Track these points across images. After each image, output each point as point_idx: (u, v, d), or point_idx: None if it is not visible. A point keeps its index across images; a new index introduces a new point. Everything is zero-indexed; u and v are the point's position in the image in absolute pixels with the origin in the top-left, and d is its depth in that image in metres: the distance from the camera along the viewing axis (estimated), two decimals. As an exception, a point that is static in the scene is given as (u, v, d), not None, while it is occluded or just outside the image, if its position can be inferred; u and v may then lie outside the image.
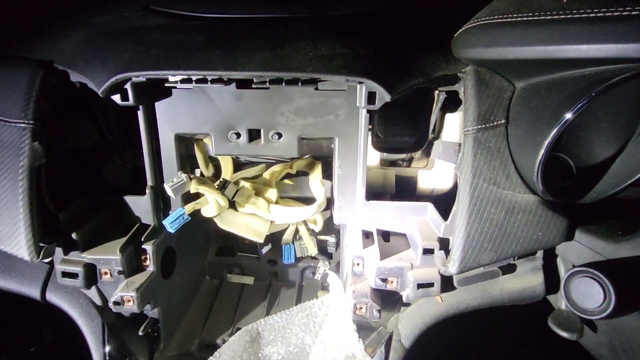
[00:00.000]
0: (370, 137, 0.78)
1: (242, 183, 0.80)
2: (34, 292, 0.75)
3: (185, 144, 0.77)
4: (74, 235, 0.69)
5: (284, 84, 0.64)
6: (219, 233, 1.06)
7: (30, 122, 0.62)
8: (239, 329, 0.84)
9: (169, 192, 0.69)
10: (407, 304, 0.77)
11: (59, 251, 0.70)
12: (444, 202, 0.72)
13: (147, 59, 0.61)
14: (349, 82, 0.64)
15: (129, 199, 0.75)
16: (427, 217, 0.73)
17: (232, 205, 0.80)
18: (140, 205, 0.75)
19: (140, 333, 0.78)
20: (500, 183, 0.60)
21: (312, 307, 0.83)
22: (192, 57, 0.60)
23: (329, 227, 0.94)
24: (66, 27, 0.71)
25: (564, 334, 0.66)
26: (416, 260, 0.69)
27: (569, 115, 0.48)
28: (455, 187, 0.77)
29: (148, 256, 0.74)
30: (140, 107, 0.69)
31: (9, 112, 0.62)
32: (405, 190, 0.88)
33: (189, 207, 0.75)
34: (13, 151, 0.61)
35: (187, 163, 0.78)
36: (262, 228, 0.83)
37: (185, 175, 0.71)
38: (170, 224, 0.72)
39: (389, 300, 0.76)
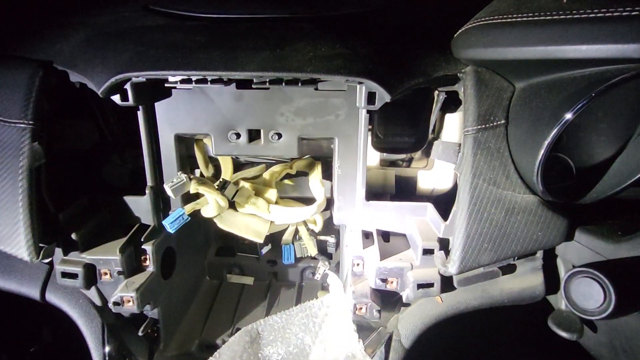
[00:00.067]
0: (370, 138, 0.78)
1: (242, 183, 0.80)
2: (34, 293, 0.75)
3: (185, 144, 0.77)
4: (73, 236, 0.69)
5: (284, 84, 0.64)
6: (218, 233, 1.06)
7: (30, 122, 0.62)
8: (238, 329, 0.84)
9: (169, 192, 0.69)
10: (407, 304, 0.77)
11: (58, 251, 0.70)
12: (443, 203, 0.72)
13: (147, 59, 0.61)
14: (349, 83, 0.64)
15: (129, 199, 0.75)
16: (427, 217, 0.73)
17: (232, 205, 0.80)
18: (140, 206, 0.75)
19: (140, 333, 0.78)
20: (500, 183, 0.60)
21: (312, 308, 0.83)
22: (192, 57, 0.60)
23: (329, 227, 0.94)
24: (66, 27, 0.71)
25: (564, 334, 0.66)
26: (416, 261, 0.69)
27: (569, 116, 0.48)
28: (455, 188, 0.77)
29: (148, 256, 0.74)
30: (140, 107, 0.69)
31: (9, 113, 0.62)
32: (405, 190, 0.88)
33: (189, 208, 0.75)
34: (13, 151, 0.61)
35: (187, 163, 0.78)
36: (262, 228, 0.83)
37: (185, 175, 0.71)
38: (170, 225, 0.72)
39: (389, 300, 0.76)
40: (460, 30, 0.60)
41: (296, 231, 0.93)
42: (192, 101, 0.70)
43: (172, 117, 0.71)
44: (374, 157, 0.85)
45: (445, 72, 0.63)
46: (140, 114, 0.69)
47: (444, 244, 0.66)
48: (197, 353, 0.86)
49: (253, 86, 0.67)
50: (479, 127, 0.60)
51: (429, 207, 0.72)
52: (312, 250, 0.92)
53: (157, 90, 0.68)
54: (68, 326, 0.77)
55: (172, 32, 0.67)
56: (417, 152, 0.84)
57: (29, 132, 0.62)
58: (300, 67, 0.59)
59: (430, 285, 0.68)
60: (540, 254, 0.72)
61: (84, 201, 0.75)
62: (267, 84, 0.65)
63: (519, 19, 0.50)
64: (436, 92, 0.72)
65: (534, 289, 0.72)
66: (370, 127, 0.74)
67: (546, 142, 0.51)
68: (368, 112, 0.68)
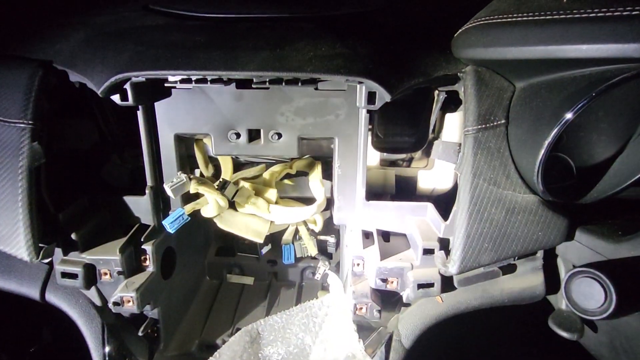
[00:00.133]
0: (370, 137, 0.78)
1: (242, 183, 0.80)
2: (34, 293, 0.75)
3: (185, 144, 0.77)
4: (73, 236, 0.69)
5: (284, 83, 0.64)
6: (218, 233, 1.06)
7: (30, 122, 0.62)
8: (239, 329, 0.84)
9: (169, 192, 0.69)
10: (408, 304, 0.77)
11: (58, 251, 0.70)
12: (444, 202, 0.72)
13: (147, 59, 0.60)
14: (349, 82, 0.64)
15: (129, 199, 0.74)
16: (427, 217, 0.73)
17: (232, 205, 0.80)
18: (140, 206, 0.75)
19: (140, 333, 0.78)
20: (501, 183, 0.60)
21: (312, 308, 0.83)
22: (192, 57, 0.60)
23: (329, 227, 0.94)
24: (66, 27, 0.71)
25: (564, 334, 0.66)
26: (416, 261, 0.69)
27: (569, 115, 0.48)
28: (455, 187, 0.77)
29: (148, 256, 0.73)
30: (140, 107, 0.69)
31: (8, 112, 0.62)
32: (405, 190, 0.88)
33: (189, 208, 0.75)
34: (12, 151, 0.61)
35: (186, 163, 0.78)
36: (262, 228, 0.83)
37: (185, 175, 0.70)
38: (170, 224, 0.72)
39: (389, 300, 0.76)
40: (460, 30, 0.60)
41: (296, 231, 0.93)
42: (192, 101, 0.70)
43: (172, 117, 0.71)
44: (374, 156, 0.84)
45: (446, 71, 0.63)
46: (140, 114, 0.69)
47: (444, 244, 0.66)
48: (197, 353, 0.86)
49: (253, 86, 0.67)
50: (479, 126, 0.60)
51: (429, 207, 0.72)
52: (312, 250, 0.92)
53: (157, 90, 0.68)
54: (68, 326, 0.77)
55: (172, 31, 0.67)
56: (417, 151, 0.84)
57: (28, 132, 0.61)
58: (301, 67, 0.59)
59: (431, 285, 0.68)
60: (540, 253, 0.72)
61: (83, 201, 0.75)
62: (267, 83, 0.65)
63: (519, 19, 0.50)
64: (436, 92, 0.72)
65: (535, 288, 0.72)
66: (370, 126, 0.74)
67: (546, 142, 0.51)
68: (368, 111, 0.68)
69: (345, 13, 0.72)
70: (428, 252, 0.67)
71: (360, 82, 0.61)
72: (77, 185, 0.80)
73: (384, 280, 0.70)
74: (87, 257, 0.70)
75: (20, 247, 0.61)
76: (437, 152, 0.80)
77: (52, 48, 0.68)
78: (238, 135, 0.72)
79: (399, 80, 0.60)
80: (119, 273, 0.71)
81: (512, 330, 1.20)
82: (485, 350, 1.19)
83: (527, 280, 0.72)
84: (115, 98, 0.63)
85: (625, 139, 0.57)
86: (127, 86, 0.62)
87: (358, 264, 0.73)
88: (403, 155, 0.86)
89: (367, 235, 0.76)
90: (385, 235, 0.77)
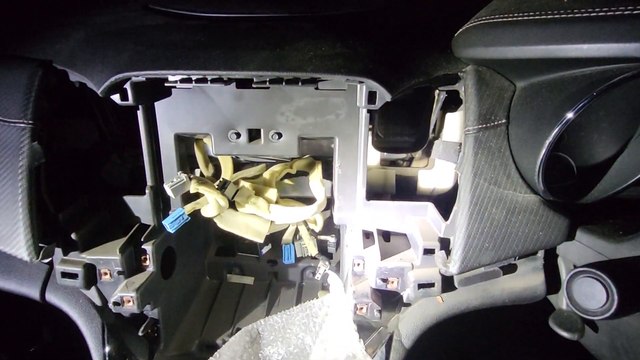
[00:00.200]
0: (370, 137, 0.78)
1: (242, 183, 0.80)
2: (34, 293, 0.75)
3: (185, 144, 0.77)
4: (73, 236, 0.69)
5: (284, 83, 0.64)
6: (218, 233, 1.05)
7: (30, 122, 0.62)
8: (239, 329, 0.84)
9: (169, 192, 0.69)
10: (408, 304, 0.77)
11: (58, 251, 0.70)
12: (444, 202, 0.72)
13: (147, 59, 0.60)
14: (350, 82, 0.64)
15: (129, 199, 0.74)
16: (427, 217, 0.73)
17: (232, 205, 0.80)
18: (140, 206, 0.75)
19: (140, 333, 0.78)
20: (501, 183, 0.60)
21: (313, 307, 0.83)
22: (192, 56, 0.60)
23: (329, 227, 0.94)
24: (65, 27, 0.71)
25: (565, 334, 0.66)
26: (417, 261, 0.69)
27: (570, 115, 0.48)
28: (455, 187, 0.77)
29: (148, 256, 0.73)
30: (140, 106, 0.68)
31: (8, 112, 0.62)
32: (405, 190, 0.88)
33: (189, 207, 0.75)
34: (12, 151, 0.61)
35: (186, 163, 0.78)
36: (262, 228, 0.83)
37: (185, 175, 0.70)
38: (170, 224, 0.71)
39: (389, 300, 0.76)
40: (461, 30, 0.60)
41: (296, 231, 0.93)
42: (192, 101, 0.70)
43: (172, 117, 0.71)
44: (375, 156, 0.84)
45: (446, 71, 0.63)
46: (140, 114, 0.69)
47: (445, 244, 0.66)
48: (197, 353, 0.86)
49: (253, 85, 0.67)
50: (479, 126, 0.60)
51: (430, 207, 0.72)
52: (313, 250, 0.92)
53: (157, 90, 0.68)
54: (68, 326, 0.76)
55: (172, 31, 0.67)
56: (417, 151, 0.83)
57: (28, 132, 0.61)
58: (301, 67, 0.58)
59: (431, 285, 0.68)
60: (541, 253, 0.72)
61: (83, 201, 0.74)
62: (267, 83, 0.65)
63: (520, 18, 0.50)
64: (437, 92, 0.72)
65: (535, 288, 0.72)
66: (370, 126, 0.74)
67: (547, 142, 0.51)
68: (368, 111, 0.68)
69: (345, 13, 0.72)
70: (428, 252, 0.67)
71: (360, 82, 0.61)
72: (77, 185, 0.80)
73: (385, 280, 0.70)
74: (87, 257, 0.70)
75: (20, 247, 0.61)
76: (437, 152, 0.80)
77: (52, 48, 0.68)
78: (238, 135, 0.72)
79: (400, 80, 0.60)
80: (119, 273, 0.71)
81: (512, 330, 1.20)
82: (485, 350, 1.19)
83: (527, 280, 0.72)
84: (115, 98, 0.63)
85: (625, 138, 0.57)
86: (127, 86, 0.62)
87: (358, 264, 0.73)
88: (403, 155, 0.86)
89: (367, 235, 0.76)
90: (386, 235, 0.77)
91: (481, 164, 0.60)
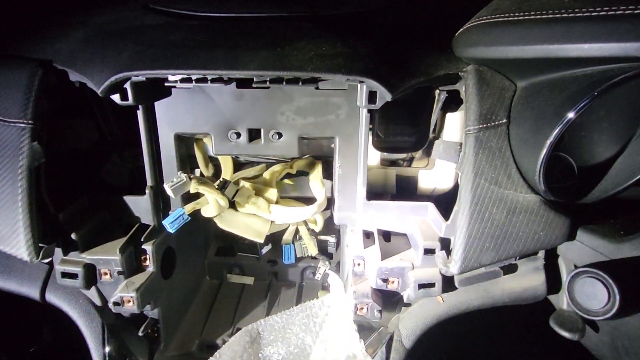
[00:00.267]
0: (370, 137, 0.77)
1: (242, 183, 0.80)
2: (34, 293, 0.75)
3: (185, 144, 0.77)
4: (73, 236, 0.69)
5: (284, 83, 0.64)
6: (219, 233, 1.05)
7: (30, 121, 0.62)
8: (239, 329, 0.84)
9: (169, 192, 0.69)
10: (408, 304, 0.77)
11: (58, 251, 0.70)
12: (444, 202, 0.72)
13: (147, 58, 0.60)
14: (350, 82, 0.64)
15: (129, 199, 0.74)
16: (428, 217, 0.73)
17: (232, 205, 0.79)
18: (140, 206, 0.74)
19: (140, 333, 0.78)
20: (502, 183, 0.60)
21: (313, 307, 0.83)
22: (192, 56, 0.60)
23: (329, 227, 0.93)
24: (65, 27, 0.71)
25: (565, 334, 0.65)
26: (417, 261, 0.69)
27: (571, 115, 0.48)
28: (456, 187, 0.77)
29: (148, 256, 0.73)
30: (140, 106, 0.68)
31: (8, 112, 0.62)
32: (406, 190, 0.88)
33: (189, 207, 0.74)
34: (12, 151, 0.61)
35: (187, 163, 0.78)
36: (262, 228, 0.82)
37: (185, 175, 0.70)
38: (170, 224, 0.71)
39: (389, 300, 0.76)
40: (461, 29, 0.60)
41: (296, 231, 0.92)
42: (192, 100, 0.70)
43: (172, 117, 0.71)
44: (375, 156, 0.84)
45: (447, 71, 0.63)
46: (140, 114, 0.69)
47: (445, 244, 0.66)
48: (198, 353, 0.86)
49: (253, 85, 0.67)
50: (480, 126, 0.60)
51: (430, 207, 0.72)
52: (313, 250, 0.92)
53: (157, 90, 0.68)
54: (68, 326, 0.76)
55: (172, 31, 0.67)
56: (418, 151, 0.83)
57: (28, 132, 0.61)
58: (301, 66, 0.58)
59: (432, 285, 0.68)
60: (541, 253, 0.72)
61: (83, 201, 0.74)
62: (268, 83, 0.65)
63: (521, 18, 0.50)
64: (437, 91, 0.72)
65: (536, 288, 0.72)
66: (371, 126, 0.74)
67: (548, 142, 0.51)
68: (369, 111, 0.68)
69: (346, 12, 0.72)
70: (429, 252, 0.67)
71: (361, 82, 0.61)
72: (77, 185, 0.80)
73: (385, 280, 0.70)
74: (87, 257, 0.70)
75: (20, 247, 0.61)
76: (437, 152, 0.80)
77: (52, 47, 0.67)
78: (238, 135, 0.72)
79: (400, 80, 0.60)
80: (119, 273, 0.70)
81: (513, 330, 1.20)
82: (486, 350, 1.19)
83: (528, 280, 0.72)
84: (115, 97, 0.63)
85: (626, 138, 0.57)
86: (127, 86, 0.62)
87: (359, 264, 0.73)
88: (404, 155, 0.86)
89: (367, 235, 0.76)
90: (386, 235, 0.77)
91: (482, 163, 0.59)
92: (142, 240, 0.73)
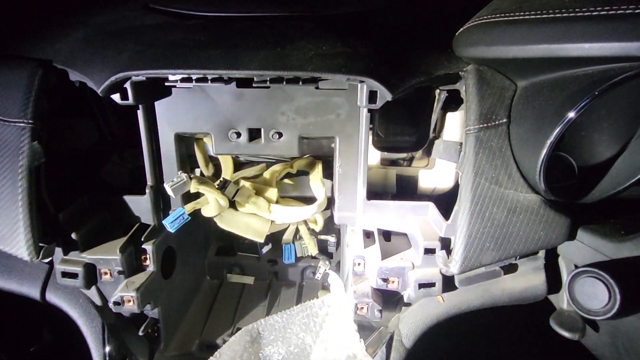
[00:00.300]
0: (371, 137, 0.77)
1: (243, 183, 0.80)
2: (34, 292, 0.75)
3: (185, 144, 0.77)
4: (73, 235, 0.69)
5: (284, 82, 0.64)
6: (219, 233, 1.05)
7: (30, 121, 0.61)
8: (239, 329, 0.83)
9: (169, 191, 0.69)
10: (409, 304, 0.77)
11: (58, 251, 0.70)
12: (445, 202, 0.72)
13: (147, 58, 0.60)
14: (350, 81, 0.64)
15: (129, 199, 0.74)
16: (428, 216, 0.73)
17: (233, 205, 0.79)
18: (140, 205, 0.74)
19: (140, 333, 0.78)
20: (502, 182, 0.60)
21: (313, 307, 0.83)
22: (192, 56, 0.60)
23: (330, 226, 0.93)
24: (65, 26, 0.71)
25: (566, 334, 0.65)
26: (417, 260, 0.69)
27: (571, 114, 0.48)
28: (456, 187, 0.76)
29: (148, 256, 0.73)
30: (140, 106, 0.68)
31: (8, 112, 0.62)
32: (406, 189, 0.88)
33: (189, 207, 0.74)
34: (12, 151, 0.61)
35: (187, 162, 0.78)
36: (262, 228, 0.82)
37: (185, 174, 0.70)
38: (171, 224, 0.71)
39: (390, 300, 0.75)
40: (462, 29, 0.60)
41: (297, 230, 0.92)
42: (193, 100, 0.70)
43: (172, 116, 0.71)
44: (375, 156, 0.84)
45: (447, 70, 0.63)
46: (140, 113, 0.69)
47: (446, 244, 0.66)
48: (198, 353, 0.86)
49: (254, 85, 0.67)
50: (480, 125, 0.60)
51: (431, 207, 0.72)
52: (313, 250, 0.92)
53: (157, 89, 0.68)
54: (68, 326, 0.76)
55: (172, 30, 0.67)
56: (418, 151, 0.83)
57: (28, 132, 0.61)
58: (302, 66, 0.58)
59: (432, 284, 0.68)
60: (542, 253, 0.72)
61: (83, 201, 0.74)
62: (268, 82, 0.65)
63: (522, 17, 0.50)
64: (437, 91, 0.72)
65: (536, 288, 0.72)
66: (371, 126, 0.74)
67: (549, 141, 0.51)
68: (369, 111, 0.68)
69: (346, 12, 0.72)
70: (429, 251, 0.67)
71: (361, 81, 0.61)
72: (77, 185, 0.80)
73: (385, 280, 0.70)
74: (88, 256, 0.70)
75: (20, 246, 0.61)
76: (438, 152, 0.80)
77: (52, 47, 0.67)
78: (238, 135, 0.72)
79: (400, 79, 0.60)
80: (119, 273, 0.70)
81: (513, 330, 1.20)
82: (486, 350, 1.19)
83: (528, 279, 0.72)
84: (116, 97, 0.63)
85: (626, 138, 0.57)
86: (127, 85, 0.62)
87: (359, 264, 0.73)
88: (404, 155, 0.86)
89: (368, 234, 0.76)
90: (386, 235, 0.76)
91: (482, 163, 0.59)
92: (142, 240, 0.73)
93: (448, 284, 0.69)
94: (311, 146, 0.84)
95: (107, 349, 0.75)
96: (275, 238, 0.96)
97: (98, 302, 0.75)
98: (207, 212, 0.77)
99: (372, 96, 0.62)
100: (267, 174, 0.83)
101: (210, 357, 0.76)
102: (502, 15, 0.52)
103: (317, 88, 0.68)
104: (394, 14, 0.73)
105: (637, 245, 0.58)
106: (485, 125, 0.60)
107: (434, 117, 0.76)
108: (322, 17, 0.71)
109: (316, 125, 0.71)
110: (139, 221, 0.75)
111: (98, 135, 0.83)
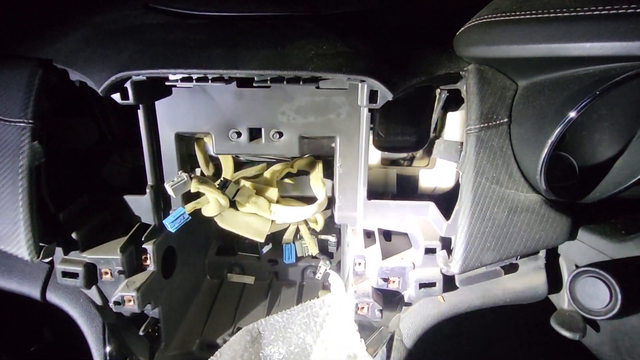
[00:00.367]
0: (371, 136, 0.77)
1: (243, 182, 0.80)
2: (34, 292, 0.75)
3: (186, 143, 0.77)
4: (74, 235, 0.69)
5: (285, 82, 0.64)
6: (219, 232, 1.05)
7: (30, 121, 0.61)
8: (239, 328, 0.84)
9: (170, 191, 0.69)
10: (409, 304, 0.77)
11: (59, 251, 0.70)
12: (445, 202, 0.72)
13: (147, 58, 0.60)
14: (351, 81, 0.64)
15: (129, 199, 0.74)
16: (429, 216, 0.73)
17: (233, 204, 0.79)
18: (141, 205, 0.74)
19: (140, 333, 0.78)
20: (503, 182, 0.60)
21: (313, 307, 0.83)
22: (193, 55, 0.60)
23: (330, 226, 0.93)
24: (65, 26, 0.71)
25: (566, 334, 0.65)
26: (418, 260, 0.69)
27: (572, 114, 0.48)
28: (457, 186, 0.77)
29: (148, 256, 0.73)
30: (141, 106, 0.68)
31: (9, 112, 0.62)
32: (406, 189, 0.88)
33: (190, 207, 0.74)
34: (12, 151, 0.61)
35: (187, 162, 0.78)
36: (262, 227, 0.82)
37: (186, 174, 0.70)
38: (171, 224, 0.71)
39: (390, 300, 0.75)
40: (462, 28, 0.60)
41: (297, 230, 0.92)
42: (193, 100, 0.70)
43: (172, 116, 0.71)
44: (376, 155, 0.84)
45: (448, 70, 0.63)
46: (140, 113, 0.69)
47: (446, 243, 0.66)
48: (198, 352, 0.86)
49: (254, 84, 0.67)
50: (481, 125, 0.59)
51: (431, 206, 0.72)
52: (313, 250, 0.92)
53: (158, 89, 0.68)
54: (69, 326, 0.76)
55: (172, 30, 0.67)
56: (418, 150, 0.83)
57: (28, 131, 0.61)
58: (302, 65, 0.58)
59: (432, 284, 0.68)
60: (542, 253, 0.72)
61: (84, 200, 0.74)
62: (268, 82, 0.65)
63: (522, 17, 0.50)
64: (438, 91, 0.72)
65: (537, 288, 0.72)
66: (371, 125, 0.74)
67: (550, 141, 0.50)
68: (370, 110, 0.68)
69: (346, 11, 0.72)
70: (430, 251, 0.67)
71: (362, 81, 0.61)
72: (77, 185, 0.80)
73: (386, 280, 0.70)
74: (88, 256, 0.70)
75: (20, 246, 0.61)
76: (438, 151, 0.80)
77: (52, 47, 0.67)
78: (239, 134, 0.72)
79: (401, 79, 0.60)
80: (120, 272, 0.70)
81: (513, 330, 1.20)
82: (487, 350, 1.19)
83: (529, 279, 0.72)
84: (116, 97, 0.63)
85: (627, 138, 0.57)
86: (128, 85, 0.62)
87: (359, 264, 0.73)
88: (404, 154, 0.86)
89: (368, 234, 0.76)
90: (387, 235, 0.76)
91: (483, 163, 0.59)
92: (142, 239, 0.73)
93: (448, 283, 0.69)
94: (311, 146, 0.84)
95: (108, 348, 0.75)
96: (275, 238, 0.96)
97: (98, 301, 0.75)
98: (207, 211, 0.77)
99: (372, 96, 0.62)
100: (267, 174, 0.83)
101: (211, 357, 0.76)
102: (503, 14, 0.52)
103: (317, 88, 0.68)
104: (395, 13, 0.73)
105: (638, 245, 0.58)
106: (486, 124, 0.60)
107: (435, 116, 0.76)
108: (322, 16, 0.71)
109: (316, 125, 0.71)
110: (139, 221, 0.75)
111: (98, 135, 0.83)
